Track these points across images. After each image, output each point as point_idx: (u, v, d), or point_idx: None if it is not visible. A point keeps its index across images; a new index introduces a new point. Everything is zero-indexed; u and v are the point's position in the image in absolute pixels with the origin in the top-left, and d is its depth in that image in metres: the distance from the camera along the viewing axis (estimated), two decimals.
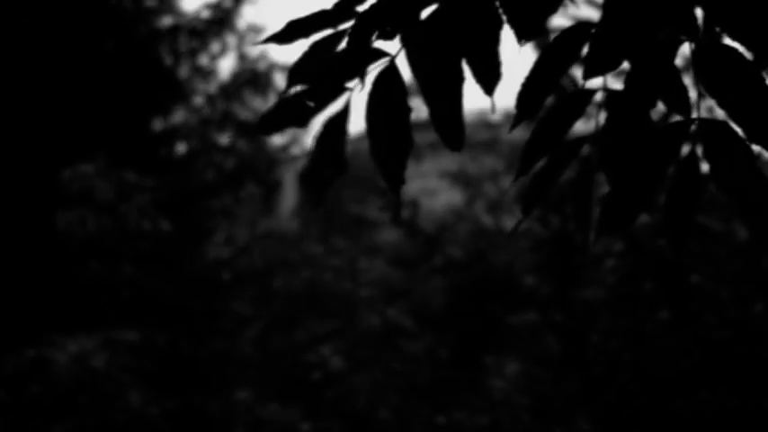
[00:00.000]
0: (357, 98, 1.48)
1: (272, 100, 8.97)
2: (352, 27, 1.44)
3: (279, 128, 1.45)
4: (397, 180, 1.42)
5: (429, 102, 1.39)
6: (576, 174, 1.57)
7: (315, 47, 1.47)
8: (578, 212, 1.57)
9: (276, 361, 8.59)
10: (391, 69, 1.44)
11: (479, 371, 8.67)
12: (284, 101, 1.43)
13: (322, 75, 1.40)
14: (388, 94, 1.42)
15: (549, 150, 1.47)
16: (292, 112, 1.42)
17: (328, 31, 1.48)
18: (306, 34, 1.48)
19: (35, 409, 6.20)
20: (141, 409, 6.32)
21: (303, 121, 1.43)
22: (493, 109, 1.41)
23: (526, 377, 8.02)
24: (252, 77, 7.77)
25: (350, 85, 1.43)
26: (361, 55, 1.41)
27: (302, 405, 7.91)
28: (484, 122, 11.26)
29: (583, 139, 1.52)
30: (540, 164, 1.48)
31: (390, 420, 7.96)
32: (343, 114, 1.45)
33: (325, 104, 1.42)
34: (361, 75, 1.41)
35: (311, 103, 1.40)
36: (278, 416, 7.34)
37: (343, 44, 1.44)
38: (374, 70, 1.44)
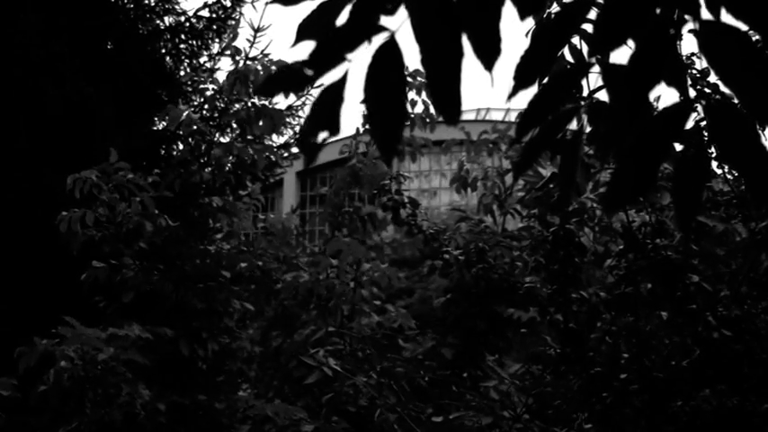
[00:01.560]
0: (356, 91, 1.50)
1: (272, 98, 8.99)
2: (352, 5, 1.45)
3: (278, 91, 1.46)
4: (390, 148, 1.42)
5: (428, 74, 1.40)
6: (567, 142, 1.59)
7: (323, 6, 1.48)
8: (563, 172, 1.58)
9: (277, 360, 8.58)
10: (391, 44, 1.45)
11: (479, 371, 8.66)
12: (284, 68, 1.44)
13: (322, 44, 1.41)
14: (386, 67, 1.43)
15: (544, 119, 1.49)
16: (291, 78, 1.43)
17: None
18: None
19: (43, 406, 6.20)
20: (147, 405, 6.32)
21: (301, 86, 1.44)
22: (492, 83, 1.41)
23: (526, 377, 8.02)
24: (250, 75, 7.78)
25: (349, 56, 1.45)
26: (362, 28, 1.42)
27: (302, 404, 7.90)
28: (487, 122, 11.26)
29: (575, 110, 1.54)
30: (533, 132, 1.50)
31: (390, 420, 7.95)
32: (341, 83, 1.46)
33: (322, 72, 1.43)
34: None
35: (310, 72, 1.42)
36: (283, 414, 7.34)
37: (349, 8, 1.45)
38: (375, 44, 1.45)
